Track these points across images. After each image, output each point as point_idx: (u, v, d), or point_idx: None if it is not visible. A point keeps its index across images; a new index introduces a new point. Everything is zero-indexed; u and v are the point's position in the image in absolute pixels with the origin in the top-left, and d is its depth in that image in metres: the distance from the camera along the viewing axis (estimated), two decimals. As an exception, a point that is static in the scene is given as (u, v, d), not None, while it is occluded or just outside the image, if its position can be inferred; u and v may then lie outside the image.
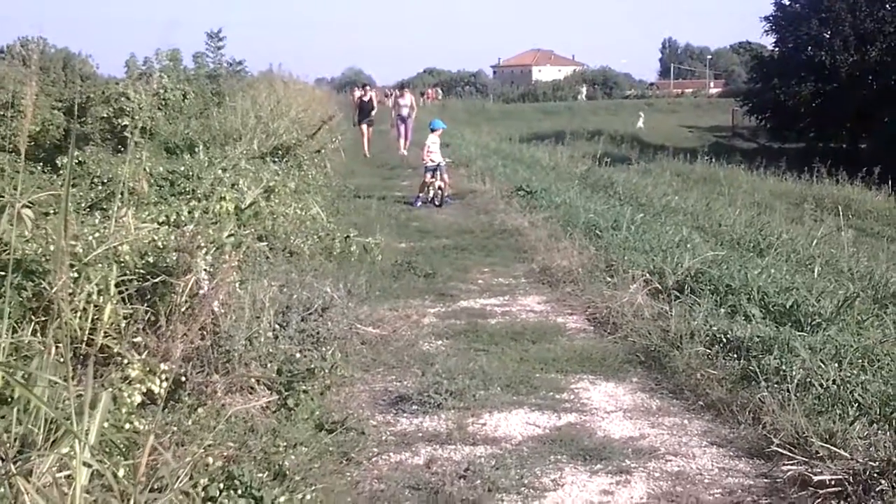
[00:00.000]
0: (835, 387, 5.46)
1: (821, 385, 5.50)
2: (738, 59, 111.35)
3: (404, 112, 25.46)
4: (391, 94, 41.11)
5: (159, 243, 5.93)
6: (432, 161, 15.55)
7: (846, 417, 5.08)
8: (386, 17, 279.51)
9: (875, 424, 4.96)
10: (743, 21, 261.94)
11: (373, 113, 26.78)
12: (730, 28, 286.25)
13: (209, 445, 4.26)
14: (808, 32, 54.03)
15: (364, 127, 26.19)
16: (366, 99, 26.76)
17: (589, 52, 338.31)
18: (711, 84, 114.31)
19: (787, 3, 57.36)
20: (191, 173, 10.08)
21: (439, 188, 15.45)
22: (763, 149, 52.37)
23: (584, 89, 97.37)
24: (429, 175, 15.52)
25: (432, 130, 16.45)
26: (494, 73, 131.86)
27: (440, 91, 70.78)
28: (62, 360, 3.73)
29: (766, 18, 58.19)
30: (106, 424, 3.72)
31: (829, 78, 52.71)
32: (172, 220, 7.13)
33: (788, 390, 5.39)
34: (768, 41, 61.14)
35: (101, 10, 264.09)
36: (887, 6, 53.07)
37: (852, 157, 41.33)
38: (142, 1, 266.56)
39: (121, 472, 3.57)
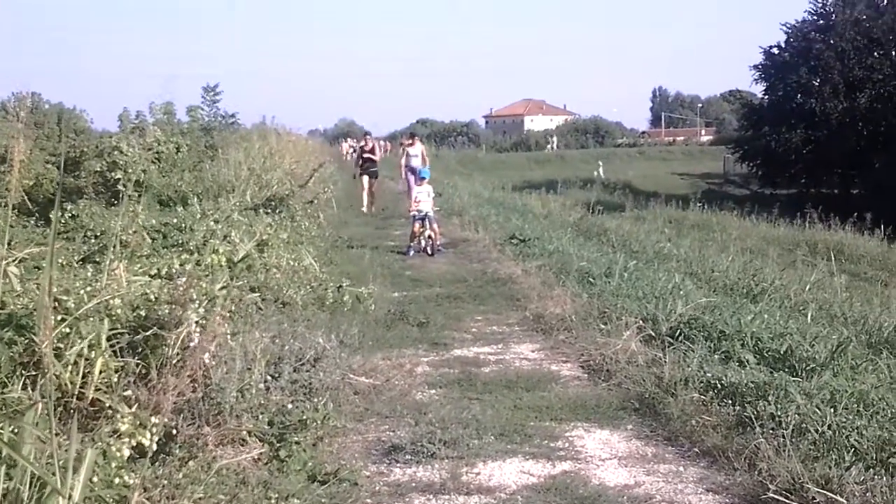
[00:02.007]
0: (830, 432, 5.43)
1: (816, 430, 5.47)
2: (728, 107, 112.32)
3: (414, 163, 22.47)
4: (383, 146, 40.59)
5: (151, 296, 5.92)
6: (420, 210, 15.59)
7: (842, 463, 5.05)
8: (379, 68, 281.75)
9: (871, 470, 4.93)
10: (732, 70, 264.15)
11: (376, 165, 24.64)
12: (719, 77, 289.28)
13: (199, 499, 4.22)
14: (798, 80, 54.54)
15: (366, 179, 24.06)
16: (367, 148, 24.72)
17: (580, 101, 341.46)
18: (702, 132, 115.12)
19: (776, 51, 57.94)
20: (184, 225, 10.10)
21: (429, 237, 15.45)
22: (755, 195, 52.68)
23: (554, 139, 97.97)
24: (417, 224, 15.54)
25: (421, 180, 16.59)
26: (486, 122, 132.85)
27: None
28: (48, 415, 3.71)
29: (756, 67, 58.82)
30: (95, 479, 3.69)
31: (819, 125, 53.15)
32: (164, 272, 7.13)
33: (784, 436, 5.36)
34: (758, 89, 61.88)
35: (95, 65, 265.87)
36: (875, 54, 53.68)
37: (844, 202, 41.55)
38: (136, 55, 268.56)
39: (110, 528, 3.53)
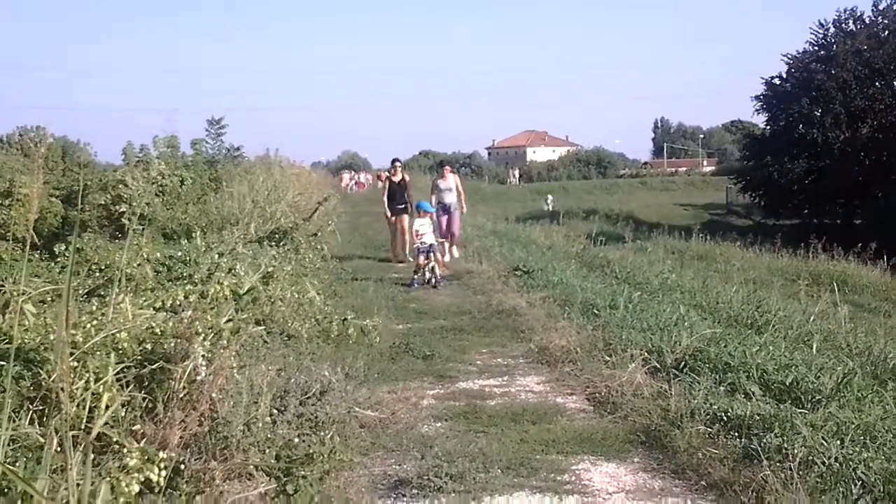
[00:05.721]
0: (837, 465, 5.42)
1: (823, 463, 5.46)
2: (730, 137, 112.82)
3: (447, 199, 19.19)
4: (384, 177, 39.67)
5: (157, 330, 5.93)
6: (424, 243, 15.64)
7: (849, 496, 5.05)
8: (382, 101, 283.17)
9: (879, 502, 4.92)
10: (734, 100, 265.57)
11: (409, 197, 19.61)
12: (721, 107, 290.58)
13: (208, 534, 4.21)
14: (800, 111, 54.70)
15: (396, 219, 19.77)
16: (396, 179, 20.11)
17: (582, 132, 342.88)
18: (705, 162, 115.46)
19: (778, 82, 58.15)
20: (188, 258, 10.13)
21: (433, 269, 15.48)
22: (758, 225, 52.60)
23: (516, 172, 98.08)
24: (422, 257, 15.58)
25: (425, 213, 16.57)
26: (489, 154, 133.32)
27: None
28: (61, 450, 3.72)
29: (757, 97, 59.00)
30: (104, 515, 3.69)
31: (821, 155, 53.26)
32: (169, 305, 7.15)
33: (791, 469, 5.35)
34: (760, 120, 61.96)
35: (101, 99, 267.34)
36: (877, 84, 53.88)
37: (847, 232, 41.56)
38: (143, 90, 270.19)
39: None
